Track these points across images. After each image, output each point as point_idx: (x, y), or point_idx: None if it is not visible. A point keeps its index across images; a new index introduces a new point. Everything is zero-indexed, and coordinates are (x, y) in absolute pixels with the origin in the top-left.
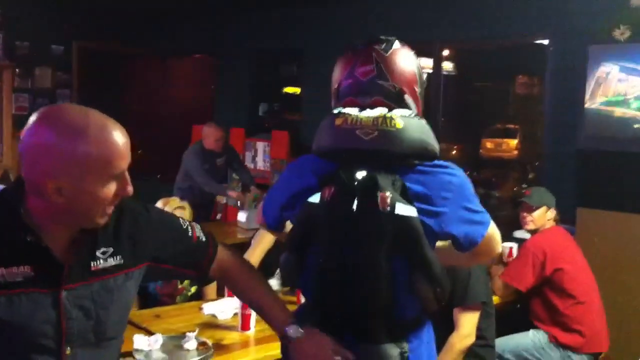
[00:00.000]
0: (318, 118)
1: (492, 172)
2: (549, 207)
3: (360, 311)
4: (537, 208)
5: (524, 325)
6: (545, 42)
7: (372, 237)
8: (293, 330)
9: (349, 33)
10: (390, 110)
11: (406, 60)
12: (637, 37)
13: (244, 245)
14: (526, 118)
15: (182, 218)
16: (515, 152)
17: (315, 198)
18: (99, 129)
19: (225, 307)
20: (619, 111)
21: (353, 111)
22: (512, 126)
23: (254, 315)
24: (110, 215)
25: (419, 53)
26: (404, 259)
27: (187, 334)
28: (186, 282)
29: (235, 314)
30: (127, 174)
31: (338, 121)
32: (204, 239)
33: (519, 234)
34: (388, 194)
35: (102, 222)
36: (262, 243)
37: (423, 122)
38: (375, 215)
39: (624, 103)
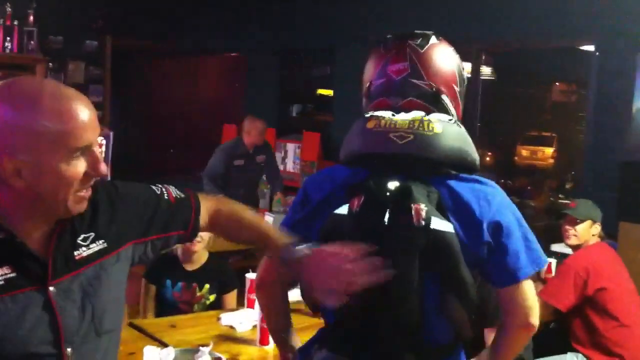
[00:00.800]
0: (349, 119)
1: (526, 181)
2: (594, 222)
3: (387, 332)
4: (582, 221)
5: (559, 347)
6: (591, 47)
7: (404, 253)
8: (299, 249)
9: (382, 31)
10: (427, 113)
11: (444, 57)
12: None
13: None
14: (563, 126)
15: (154, 185)
16: (551, 160)
17: (342, 209)
18: (54, 99)
19: (244, 319)
20: None
21: (386, 114)
22: (548, 134)
23: None
24: (87, 200)
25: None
26: (436, 277)
27: (201, 348)
28: (205, 289)
29: (255, 326)
30: (97, 150)
31: (370, 124)
32: (183, 196)
33: (556, 247)
34: (423, 206)
35: (79, 208)
36: None
37: (462, 129)
38: (408, 229)
39: None
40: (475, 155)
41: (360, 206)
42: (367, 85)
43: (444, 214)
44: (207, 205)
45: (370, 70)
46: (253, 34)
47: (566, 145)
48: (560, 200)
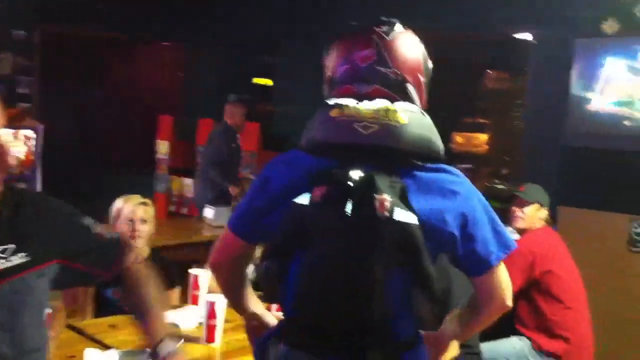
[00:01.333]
0: (291, 110)
1: (463, 168)
2: (541, 205)
3: (353, 327)
4: (530, 204)
5: (504, 331)
6: (527, 36)
7: (368, 245)
8: (167, 347)
9: (327, 21)
10: (392, 102)
11: (410, 46)
12: (626, 30)
13: (209, 244)
14: (497, 113)
15: (87, 217)
16: (486, 146)
17: (303, 199)
18: None
19: (189, 316)
20: (607, 108)
21: (351, 102)
22: (482, 121)
23: (220, 325)
24: None
25: None
26: (400, 270)
27: (146, 349)
28: None
29: (200, 324)
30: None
31: (334, 113)
32: (114, 238)
33: None
34: (387, 197)
35: None
36: None
37: (428, 119)
38: (371, 221)
39: (612, 99)
40: (440, 144)
41: (323, 197)
42: (331, 72)
43: (408, 205)
44: (133, 259)
45: (334, 57)
46: (191, 21)
47: (500, 131)
48: (496, 186)
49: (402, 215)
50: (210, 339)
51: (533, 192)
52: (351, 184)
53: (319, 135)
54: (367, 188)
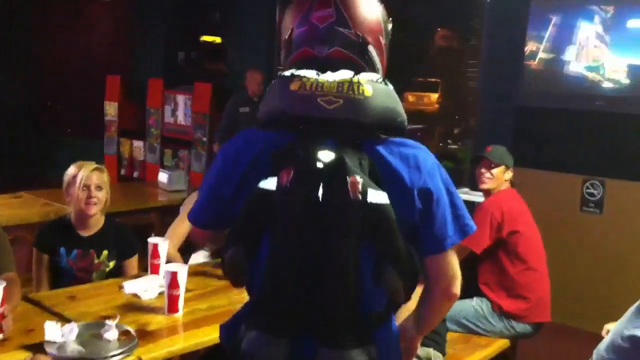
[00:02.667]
0: (243, 69)
1: (415, 128)
2: (507, 167)
3: (324, 306)
4: (498, 166)
5: (467, 291)
6: None
7: (340, 228)
8: None
9: None
10: (354, 67)
11: (370, 6)
12: None
13: (165, 210)
14: (447, 72)
15: None
16: (437, 105)
17: (268, 183)
18: None
19: (149, 286)
20: (560, 68)
21: (311, 74)
22: (432, 80)
23: (182, 295)
24: None
25: None
26: (372, 248)
27: (107, 322)
28: (104, 255)
29: (161, 294)
30: None
31: (294, 85)
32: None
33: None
34: (359, 178)
35: None
36: None
37: (391, 87)
38: (344, 204)
39: (565, 59)
40: (404, 115)
41: (291, 180)
42: (288, 34)
43: (377, 182)
44: None
45: (290, 18)
46: None
47: (452, 91)
48: (449, 146)
49: (375, 196)
50: (172, 309)
51: (500, 154)
52: (320, 165)
53: (279, 109)
54: (338, 169)
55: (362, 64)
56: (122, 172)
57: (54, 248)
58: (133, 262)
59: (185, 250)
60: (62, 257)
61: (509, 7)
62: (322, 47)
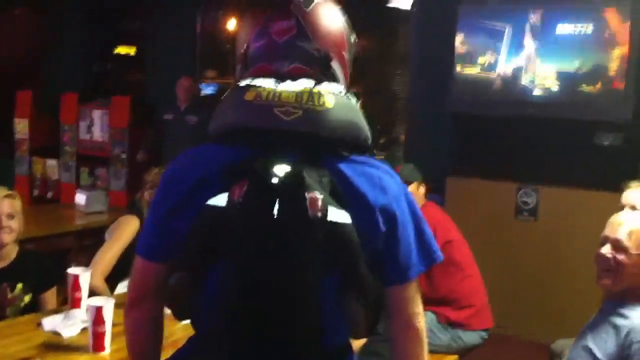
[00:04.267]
0: (164, 78)
1: None
2: (419, 183)
3: (282, 337)
4: (410, 184)
5: None
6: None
7: (299, 249)
8: None
9: None
10: (316, 83)
11: (333, 18)
12: None
13: (83, 234)
14: (370, 80)
15: None
16: None
17: (218, 200)
18: None
19: (71, 322)
20: (486, 75)
21: (267, 83)
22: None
23: (108, 331)
24: None
25: None
26: (334, 274)
27: None
28: (18, 289)
29: (84, 329)
30: None
31: (249, 96)
32: None
33: None
34: (318, 195)
35: None
36: (125, 233)
37: (354, 102)
38: (302, 222)
39: (493, 66)
40: (367, 132)
41: (244, 195)
42: (244, 48)
43: (339, 201)
44: None
45: (247, 31)
46: None
47: (371, 99)
48: (378, 158)
49: (336, 214)
50: (98, 347)
51: (409, 173)
52: (276, 179)
53: (231, 121)
54: (295, 185)
55: (324, 79)
56: (35, 192)
57: None
58: (51, 295)
59: (112, 281)
60: None
61: (436, 11)
62: (282, 63)
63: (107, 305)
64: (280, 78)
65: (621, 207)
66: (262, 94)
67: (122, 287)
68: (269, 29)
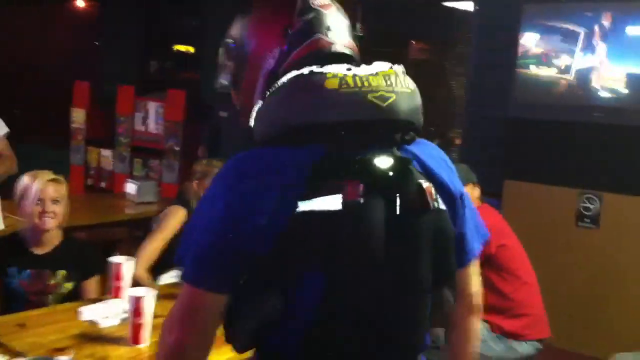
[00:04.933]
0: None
1: None
2: (474, 184)
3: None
4: (465, 185)
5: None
6: (467, 5)
7: (422, 245)
8: None
9: None
10: (354, 60)
11: (346, 21)
12: None
13: (133, 224)
14: (422, 83)
15: None
16: None
17: (318, 203)
18: None
19: (110, 312)
20: (553, 77)
21: (341, 69)
22: None
23: (149, 323)
24: None
25: None
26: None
27: (60, 358)
28: (60, 276)
29: (124, 320)
30: None
31: (331, 84)
32: None
33: None
34: (429, 184)
35: None
36: (171, 224)
37: None
38: (423, 215)
39: (558, 68)
40: None
41: (364, 194)
42: (284, 26)
43: (437, 187)
44: None
45: (279, 16)
46: None
47: (428, 102)
48: None
49: (441, 201)
50: (136, 340)
51: (464, 173)
52: (390, 173)
53: (307, 117)
54: (407, 177)
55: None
56: (89, 182)
57: (3, 267)
58: (93, 284)
59: (157, 271)
60: (13, 277)
61: (499, 13)
62: (335, 35)
63: (149, 296)
64: (337, 57)
65: None
66: (347, 81)
67: (166, 278)
68: (312, 3)
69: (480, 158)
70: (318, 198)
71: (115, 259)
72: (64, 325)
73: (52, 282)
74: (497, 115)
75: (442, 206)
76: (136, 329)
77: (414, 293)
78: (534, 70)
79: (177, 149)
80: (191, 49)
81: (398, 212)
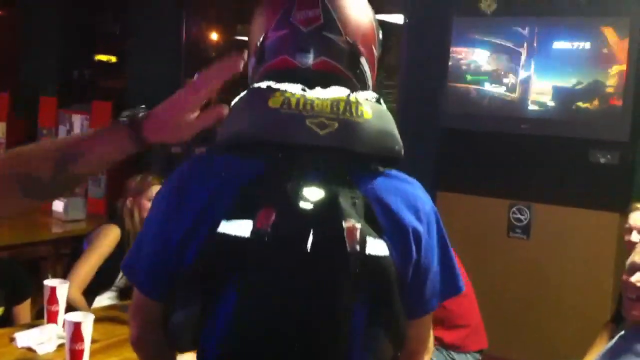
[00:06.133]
0: (144, 86)
1: None
2: None
3: None
4: None
5: None
6: (396, 18)
7: (331, 284)
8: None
9: None
10: (342, 82)
11: (363, 9)
12: (503, 9)
13: (60, 243)
14: None
15: None
16: None
17: (235, 227)
18: None
19: (46, 337)
20: (483, 89)
21: (295, 89)
22: None
23: (87, 349)
24: None
25: None
26: (364, 309)
27: None
28: None
29: (61, 346)
30: None
31: (274, 102)
32: None
33: None
34: (357, 224)
35: None
36: (105, 243)
37: (385, 108)
38: (338, 256)
39: (486, 80)
40: (400, 142)
41: (273, 226)
42: (260, 40)
43: (375, 228)
44: None
45: (263, 22)
46: None
47: None
48: None
49: (374, 246)
50: None
51: None
52: (309, 206)
53: (250, 131)
54: (330, 212)
55: (353, 79)
56: None
57: None
58: (25, 308)
59: (91, 293)
60: None
61: (429, 24)
62: (306, 55)
63: (86, 321)
64: (303, 76)
65: (628, 229)
66: (290, 101)
67: (100, 301)
68: (292, 18)
69: (411, 168)
70: (234, 221)
71: (49, 281)
72: None
73: None
74: (428, 126)
75: (378, 252)
76: (75, 355)
77: (322, 320)
78: (462, 82)
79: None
80: (113, 58)
81: (309, 248)
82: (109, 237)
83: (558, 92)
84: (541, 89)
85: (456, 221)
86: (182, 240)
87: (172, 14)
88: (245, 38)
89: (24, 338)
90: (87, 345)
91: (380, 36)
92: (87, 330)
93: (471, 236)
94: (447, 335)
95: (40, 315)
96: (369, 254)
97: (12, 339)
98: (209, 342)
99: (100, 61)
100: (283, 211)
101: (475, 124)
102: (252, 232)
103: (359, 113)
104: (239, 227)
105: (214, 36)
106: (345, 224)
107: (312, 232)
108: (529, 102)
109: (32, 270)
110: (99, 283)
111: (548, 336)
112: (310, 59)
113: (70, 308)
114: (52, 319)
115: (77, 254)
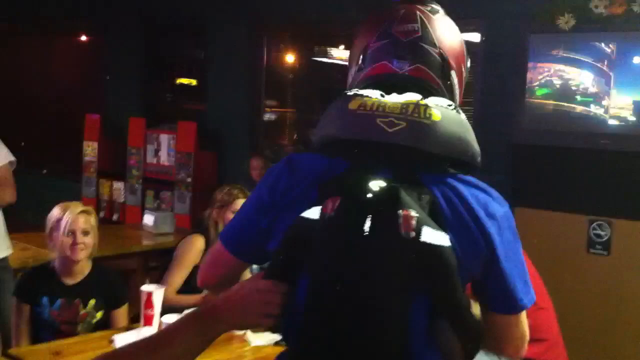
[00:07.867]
0: (225, 107)
1: None
2: None
3: None
4: None
5: None
6: (473, 36)
7: (386, 270)
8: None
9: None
10: (432, 90)
11: (455, 32)
12: (581, 26)
13: (149, 255)
14: None
15: None
16: None
17: (312, 212)
18: None
19: None
20: (560, 104)
21: (374, 94)
22: None
23: (157, 314)
24: None
25: None
26: (425, 300)
27: None
28: (90, 305)
29: None
30: None
31: (353, 104)
32: None
33: None
34: (413, 213)
35: None
36: (190, 259)
37: (464, 116)
38: (393, 241)
39: (565, 96)
40: (477, 148)
41: (336, 210)
42: (361, 50)
43: (439, 222)
44: None
45: (366, 35)
46: (113, 11)
47: None
48: None
49: (431, 235)
50: None
51: None
52: (370, 195)
53: (332, 130)
54: (389, 201)
55: (443, 88)
56: (101, 214)
57: (35, 297)
58: (123, 312)
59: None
60: (44, 307)
61: (506, 41)
62: (403, 61)
63: (157, 291)
64: (399, 80)
65: None
66: (366, 103)
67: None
68: (392, 30)
69: (489, 185)
70: (315, 207)
71: (146, 287)
72: (98, 352)
73: (83, 311)
74: (507, 143)
75: (436, 241)
76: (147, 319)
77: (376, 306)
78: (542, 98)
79: (188, 180)
80: (193, 82)
81: (366, 232)
82: (194, 248)
83: (639, 107)
84: (621, 103)
85: (534, 237)
86: (264, 224)
87: (251, 38)
88: (323, 59)
89: (122, 340)
90: (157, 312)
91: (469, 63)
92: (158, 299)
93: (550, 252)
94: (526, 349)
95: (136, 320)
96: (424, 241)
97: (112, 341)
98: (290, 330)
99: (182, 84)
100: (346, 199)
101: (554, 140)
102: (320, 215)
103: (427, 115)
104: (313, 212)
105: (290, 58)
106: (401, 212)
107: (370, 217)
108: (609, 117)
109: (126, 281)
110: (186, 290)
111: (625, 355)
112: (407, 65)
113: (164, 312)
114: (148, 322)
115: (166, 266)
